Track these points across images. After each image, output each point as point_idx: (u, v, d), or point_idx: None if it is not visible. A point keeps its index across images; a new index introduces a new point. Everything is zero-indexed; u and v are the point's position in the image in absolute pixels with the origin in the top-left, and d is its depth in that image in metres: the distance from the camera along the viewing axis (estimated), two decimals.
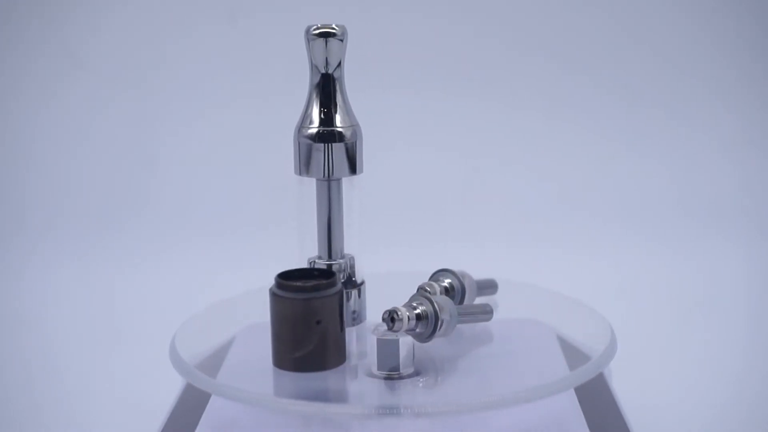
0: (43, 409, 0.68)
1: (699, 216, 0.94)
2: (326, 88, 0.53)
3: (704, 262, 0.90)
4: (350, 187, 0.55)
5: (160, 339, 0.56)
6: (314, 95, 0.53)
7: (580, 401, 0.51)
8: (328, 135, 0.52)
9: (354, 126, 0.53)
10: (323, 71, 0.53)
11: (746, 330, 0.79)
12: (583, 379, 0.49)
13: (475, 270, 0.60)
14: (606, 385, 0.56)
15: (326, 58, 0.53)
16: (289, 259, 0.55)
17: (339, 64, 0.53)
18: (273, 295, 0.51)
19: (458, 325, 0.53)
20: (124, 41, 0.97)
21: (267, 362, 0.53)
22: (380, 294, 0.56)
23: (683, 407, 0.65)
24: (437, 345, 0.53)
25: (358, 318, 0.55)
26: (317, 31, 0.53)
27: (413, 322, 0.50)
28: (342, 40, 0.53)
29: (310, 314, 0.50)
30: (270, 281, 0.51)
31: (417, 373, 0.51)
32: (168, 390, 0.57)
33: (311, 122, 0.53)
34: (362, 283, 0.56)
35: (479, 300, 0.59)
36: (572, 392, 0.52)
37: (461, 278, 0.57)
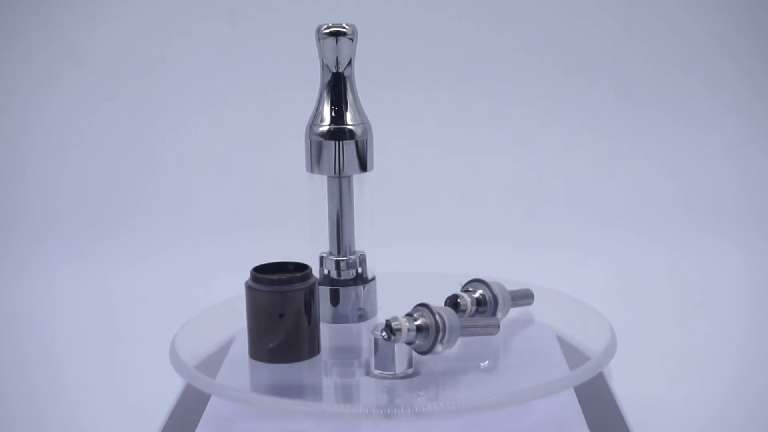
0: (43, 409, 0.68)
1: (699, 216, 0.94)
2: (337, 87, 0.53)
3: (704, 262, 0.90)
4: (360, 185, 0.55)
5: (160, 339, 0.56)
6: (325, 93, 0.53)
7: (580, 401, 0.51)
8: (338, 133, 0.52)
9: (365, 124, 0.53)
10: (334, 70, 0.53)
11: (746, 330, 0.79)
12: (582, 378, 0.49)
13: (475, 270, 0.60)
14: (606, 385, 0.56)
15: (337, 57, 0.53)
16: (290, 258, 0.55)
17: (349, 63, 0.53)
18: (246, 286, 0.51)
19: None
20: (123, 41, 0.97)
21: (267, 363, 0.53)
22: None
23: (683, 407, 0.65)
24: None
25: (364, 315, 0.55)
26: (328, 30, 0.53)
27: (413, 333, 0.49)
28: (352, 39, 0.53)
29: (273, 307, 0.50)
30: None
31: (417, 374, 0.51)
32: (168, 390, 0.57)
33: (322, 120, 0.53)
34: (372, 279, 0.56)
35: (514, 311, 0.58)
36: (572, 392, 0.52)
37: (493, 289, 0.55)
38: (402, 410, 0.45)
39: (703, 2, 0.96)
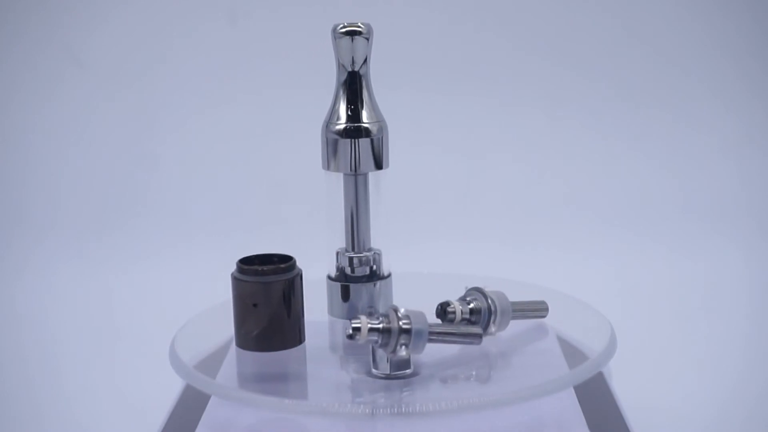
0: (43, 409, 0.68)
1: (699, 216, 0.94)
2: (353, 85, 0.54)
3: (705, 262, 0.90)
4: (376, 182, 0.55)
5: (160, 339, 0.56)
6: (341, 92, 0.54)
7: (580, 401, 0.51)
8: (354, 131, 0.53)
9: (380, 122, 0.54)
10: (350, 69, 0.53)
11: (746, 330, 0.79)
12: (582, 377, 0.49)
13: (474, 269, 0.60)
14: (606, 384, 0.56)
15: (352, 56, 0.53)
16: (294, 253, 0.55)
17: (365, 62, 0.54)
18: (231, 276, 0.53)
19: None
20: (123, 41, 0.97)
21: (267, 363, 0.53)
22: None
23: (683, 407, 0.65)
24: (436, 345, 0.53)
25: (375, 312, 0.55)
26: (344, 30, 0.53)
27: (374, 334, 0.49)
28: (368, 38, 0.54)
29: (248, 297, 0.52)
30: None
31: (416, 374, 0.51)
32: (168, 390, 0.57)
33: (338, 118, 0.53)
34: (385, 277, 0.56)
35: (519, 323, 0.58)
36: (572, 392, 0.52)
37: (490, 299, 0.54)
38: (402, 410, 0.45)
39: (703, 2, 0.96)
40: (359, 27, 0.53)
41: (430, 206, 0.95)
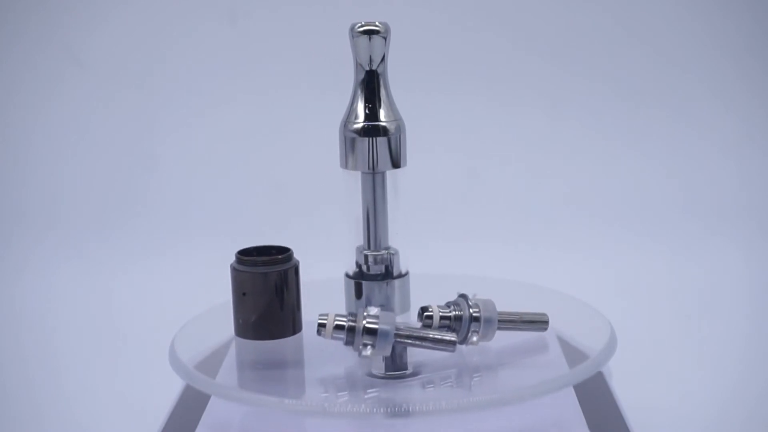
0: (43, 409, 0.68)
1: (699, 216, 0.94)
2: (370, 84, 0.54)
3: (705, 262, 0.90)
4: (394, 181, 0.56)
5: (160, 339, 0.56)
6: (359, 91, 0.54)
7: (580, 401, 0.51)
8: (372, 129, 0.53)
9: (398, 120, 0.54)
10: (367, 68, 0.54)
11: (746, 330, 0.79)
12: (582, 377, 0.49)
13: (474, 269, 0.60)
14: (606, 384, 0.56)
15: (370, 55, 0.54)
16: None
17: (382, 60, 0.54)
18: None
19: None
20: (124, 41, 0.97)
21: (266, 362, 0.53)
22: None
23: (683, 407, 0.65)
24: None
25: (386, 310, 0.55)
26: (361, 29, 0.53)
27: (340, 331, 0.50)
28: (385, 38, 0.54)
29: (238, 286, 0.54)
30: None
31: (416, 374, 0.51)
32: (168, 390, 0.57)
33: (356, 117, 0.54)
34: (398, 276, 0.56)
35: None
36: (572, 392, 0.52)
37: (474, 309, 0.52)
38: (401, 409, 0.45)
39: (703, 2, 0.96)
40: (377, 26, 0.54)
41: (429, 206, 0.95)
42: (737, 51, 0.96)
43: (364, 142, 0.54)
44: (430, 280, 0.59)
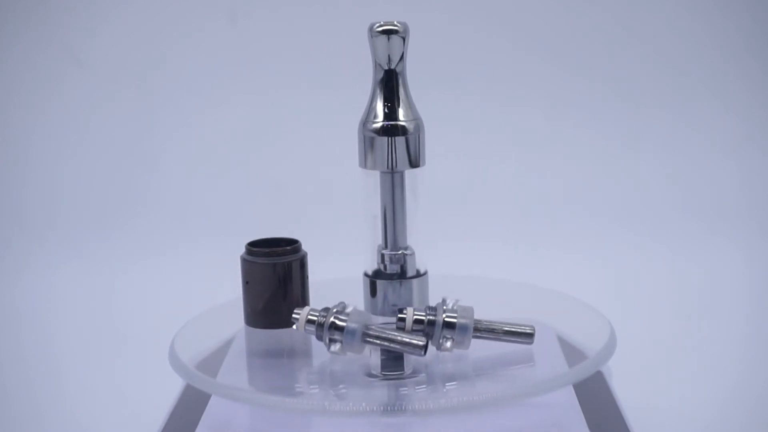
0: (43, 409, 0.68)
1: (699, 216, 0.94)
2: (389, 84, 0.54)
3: (705, 262, 0.90)
4: (413, 181, 0.56)
5: (160, 339, 0.56)
6: (378, 90, 0.54)
7: (579, 401, 0.51)
8: (391, 129, 0.53)
9: (417, 120, 0.54)
10: (386, 67, 0.54)
11: (746, 330, 0.79)
12: (581, 376, 0.49)
13: (474, 269, 0.60)
14: (606, 384, 0.56)
15: (389, 55, 0.54)
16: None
17: (401, 60, 0.54)
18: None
19: None
20: (124, 41, 0.97)
21: (267, 362, 0.53)
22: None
23: (683, 407, 0.65)
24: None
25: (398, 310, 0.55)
26: (380, 29, 0.53)
27: (311, 326, 0.51)
28: (404, 37, 0.54)
29: (244, 275, 0.56)
30: None
31: (416, 374, 0.51)
32: (168, 390, 0.57)
33: (375, 116, 0.54)
34: (412, 277, 0.56)
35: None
36: (572, 392, 0.52)
37: (450, 315, 0.51)
38: (403, 408, 0.45)
39: (703, 2, 0.96)
40: (395, 26, 0.54)
41: (429, 206, 0.95)
42: (737, 51, 0.96)
43: (383, 142, 0.53)
44: (430, 281, 0.59)
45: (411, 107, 0.54)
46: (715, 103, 0.96)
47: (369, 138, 0.54)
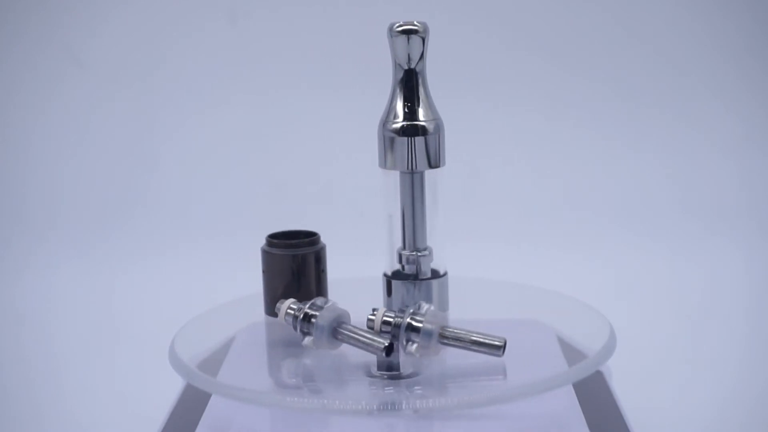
0: (43, 409, 0.68)
1: (699, 216, 0.94)
2: (409, 83, 0.54)
3: (705, 262, 0.90)
4: (433, 181, 0.56)
5: (160, 339, 0.56)
6: (398, 90, 0.54)
7: (579, 401, 0.51)
8: (411, 129, 0.53)
9: (436, 120, 0.54)
10: (406, 67, 0.54)
11: (746, 330, 0.79)
12: (580, 375, 0.49)
13: (474, 270, 0.59)
14: (606, 384, 0.56)
15: (408, 54, 0.54)
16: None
17: (421, 59, 0.54)
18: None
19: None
20: (124, 41, 0.97)
21: (267, 362, 0.53)
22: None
23: (683, 407, 0.65)
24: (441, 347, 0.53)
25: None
26: (400, 29, 0.54)
27: (289, 317, 0.52)
28: (424, 37, 0.54)
29: (263, 265, 0.57)
30: None
31: (417, 374, 0.51)
32: (168, 390, 0.57)
33: (395, 117, 0.54)
34: (428, 278, 0.56)
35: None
36: (572, 392, 0.52)
37: (417, 319, 0.50)
38: (403, 407, 0.45)
39: (703, 2, 0.96)
40: (415, 26, 0.54)
41: (429, 207, 0.95)
42: (737, 51, 0.96)
43: (403, 142, 0.53)
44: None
45: (431, 107, 0.54)
46: (715, 103, 0.96)
47: (389, 138, 0.54)
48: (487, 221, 0.94)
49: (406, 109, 0.54)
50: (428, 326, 0.50)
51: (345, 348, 0.52)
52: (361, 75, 0.93)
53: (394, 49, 0.54)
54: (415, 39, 0.54)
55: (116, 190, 0.96)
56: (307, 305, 0.52)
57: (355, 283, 0.59)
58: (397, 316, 0.51)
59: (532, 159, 0.97)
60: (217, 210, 0.96)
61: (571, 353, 0.54)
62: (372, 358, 0.51)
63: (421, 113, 0.54)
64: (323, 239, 0.59)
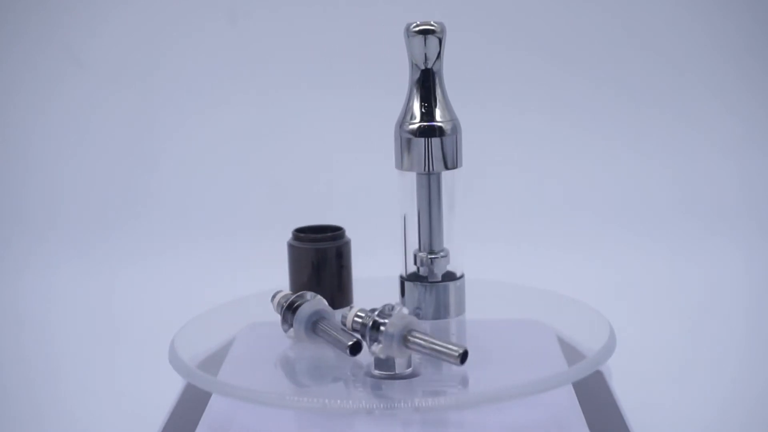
0: (43, 409, 0.68)
1: (700, 216, 0.94)
2: (426, 84, 0.54)
3: (705, 262, 0.90)
4: (451, 182, 0.56)
5: (160, 339, 0.56)
6: (414, 90, 0.54)
7: (579, 401, 0.51)
8: (428, 130, 0.53)
9: (453, 120, 0.54)
10: (422, 67, 0.54)
11: (746, 330, 0.79)
12: (580, 375, 0.49)
13: (474, 270, 0.59)
14: (606, 384, 0.56)
15: (425, 54, 0.54)
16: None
17: (437, 59, 0.54)
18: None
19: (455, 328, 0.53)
20: (124, 41, 0.97)
21: (267, 361, 0.53)
22: None
23: (683, 407, 0.65)
24: None
25: (422, 314, 0.55)
26: (417, 29, 0.54)
27: (279, 308, 0.54)
28: (440, 38, 0.54)
29: (288, 258, 0.58)
30: (271, 283, 0.51)
31: (416, 374, 0.51)
32: (168, 390, 0.57)
33: (413, 117, 0.54)
34: (438, 282, 0.56)
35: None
36: (572, 392, 0.52)
37: (381, 321, 0.50)
38: (403, 406, 0.45)
39: (703, 2, 0.96)
40: (432, 26, 0.54)
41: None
42: (737, 51, 0.96)
43: (419, 143, 0.53)
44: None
45: (448, 107, 0.54)
46: (715, 103, 0.96)
47: (405, 139, 0.54)
48: (487, 221, 0.94)
49: (423, 110, 0.54)
50: (390, 329, 0.49)
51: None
52: (362, 75, 0.93)
53: (410, 49, 0.54)
54: (432, 39, 0.54)
55: (116, 190, 0.96)
56: (293, 296, 0.53)
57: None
58: (367, 316, 0.51)
59: (531, 159, 0.97)
60: (216, 210, 0.96)
61: (571, 353, 0.54)
62: (372, 358, 0.51)
63: (438, 114, 0.54)
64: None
